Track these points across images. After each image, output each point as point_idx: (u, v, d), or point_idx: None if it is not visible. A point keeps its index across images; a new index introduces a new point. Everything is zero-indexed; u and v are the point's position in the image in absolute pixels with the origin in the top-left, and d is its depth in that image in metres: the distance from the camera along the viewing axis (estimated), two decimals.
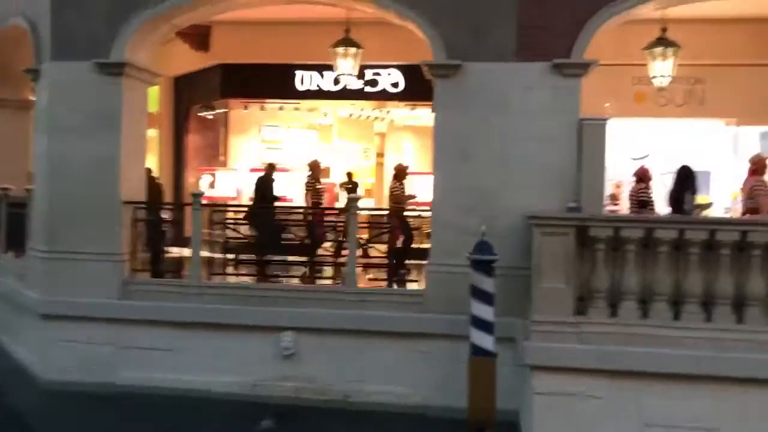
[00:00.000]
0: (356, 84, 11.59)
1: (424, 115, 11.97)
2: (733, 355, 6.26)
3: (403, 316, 7.81)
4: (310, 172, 10.46)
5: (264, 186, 10.30)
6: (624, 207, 12.12)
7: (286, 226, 9.38)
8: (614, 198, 11.68)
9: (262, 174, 10.69)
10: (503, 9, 7.80)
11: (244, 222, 9.45)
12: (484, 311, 6.52)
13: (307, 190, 10.34)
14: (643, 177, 9.55)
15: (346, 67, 10.28)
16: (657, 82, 10.01)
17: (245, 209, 10.19)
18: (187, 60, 12.60)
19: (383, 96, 12.20)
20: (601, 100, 11.78)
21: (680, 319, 6.48)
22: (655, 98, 11.35)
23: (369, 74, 11.79)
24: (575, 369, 6.50)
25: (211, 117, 13.63)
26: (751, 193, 8.09)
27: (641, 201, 9.28)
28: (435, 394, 7.63)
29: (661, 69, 9.81)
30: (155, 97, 12.44)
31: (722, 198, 11.96)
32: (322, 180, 10.93)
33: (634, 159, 12.50)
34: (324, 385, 8.01)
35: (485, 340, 6.51)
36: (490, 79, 7.80)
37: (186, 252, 9.18)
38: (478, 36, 7.86)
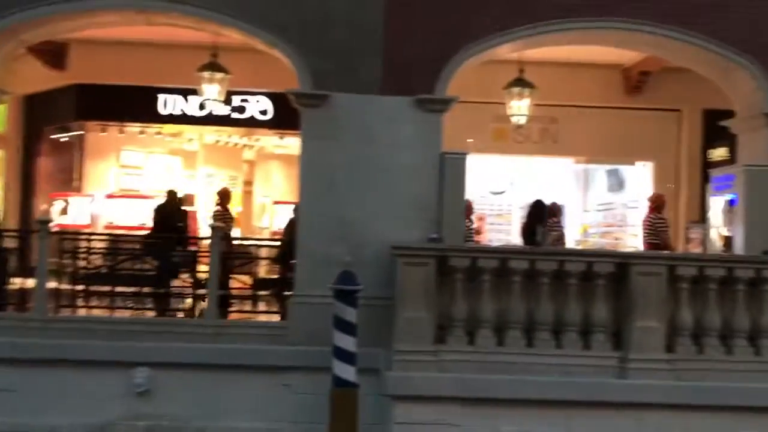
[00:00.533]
0: (223, 110, 11.35)
1: (293, 144, 11.91)
2: (581, 380, 6.60)
3: (265, 349, 7.61)
4: (219, 201, 10.10)
5: (166, 214, 9.73)
6: (487, 239, 12.67)
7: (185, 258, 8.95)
8: (477, 232, 12.11)
9: (162, 202, 10.15)
10: (370, 42, 7.95)
11: (100, 251, 8.92)
12: (347, 342, 6.48)
13: (215, 220, 9.82)
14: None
15: (212, 92, 10.06)
16: (515, 120, 10.56)
17: (105, 237, 9.62)
18: (40, 78, 11.80)
19: (251, 123, 12.02)
20: (465, 135, 12.24)
21: (533, 346, 6.77)
22: (514, 135, 11.97)
23: (237, 100, 11.58)
24: (435, 398, 6.59)
25: (65, 139, 12.81)
26: (653, 229, 8.88)
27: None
28: (297, 428, 7.45)
29: (519, 108, 10.36)
30: (2, 116, 11.55)
31: (572, 230, 12.77)
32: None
33: (494, 193, 13.12)
34: (180, 422, 7.61)
35: (347, 372, 6.47)
36: (357, 110, 7.88)
37: (30, 283, 8.49)
38: (345, 67, 7.95)
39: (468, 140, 12.37)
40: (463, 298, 6.78)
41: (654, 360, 6.64)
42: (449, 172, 7.84)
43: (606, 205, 12.91)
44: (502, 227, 13.24)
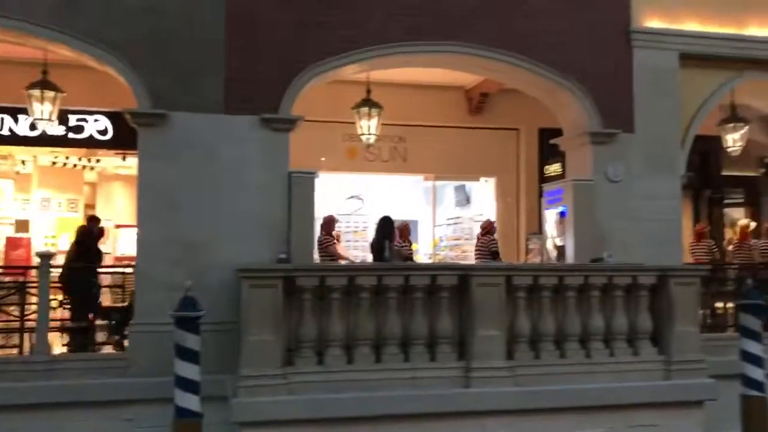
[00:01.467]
0: (57, 130, 10.62)
1: (136, 165, 11.38)
2: (428, 392, 6.75)
3: (104, 383, 7.14)
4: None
5: (85, 241, 8.90)
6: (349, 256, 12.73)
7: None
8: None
9: (82, 226, 9.29)
10: (211, 60, 7.77)
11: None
12: (190, 370, 6.21)
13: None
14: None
15: (44, 112, 9.38)
16: (365, 139, 10.71)
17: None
18: None
19: (90, 143, 11.31)
20: (318, 153, 12.31)
21: (382, 361, 6.84)
22: (365, 154, 12.16)
23: (73, 120, 10.89)
24: (285, 421, 6.46)
25: None
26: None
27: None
28: None
29: (368, 127, 10.52)
30: None
31: (424, 245, 13.15)
32: None
33: (351, 212, 13.24)
34: None
35: (191, 401, 6.19)
36: (199, 130, 7.66)
37: None
38: (185, 85, 7.71)
39: (321, 159, 12.46)
40: (312, 318, 6.74)
41: (495, 368, 6.91)
42: (297, 190, 7.80)
43: (454, 220, 13.41)
44: (357, 244, 13.38)
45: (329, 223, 10.33)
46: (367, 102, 10.36)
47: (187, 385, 6.16)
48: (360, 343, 6.82)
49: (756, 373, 7.46)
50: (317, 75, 8.09)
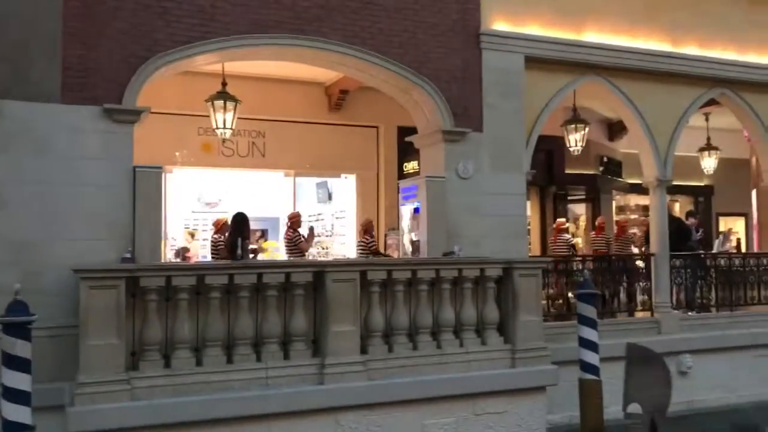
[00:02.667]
0: None
1: None
2: (280, 390, 6.65)
3: None
4: None
5: None
6: (200, 256, 12.32)
7: None
8: (185, 250, 11.71)
9: None
10: (48, 45, 7.21)
11: None
12: (20, 380, 5.71)
13: None
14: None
15: None
16: (220, 134, 10.40)
17: None
18: None
19: None
20: (172, 148, 11.85)
21: (233, 362, 6.67)
22: (222, 149, 11.83)
23: None
24: (128, 429, 6.13)
25: None
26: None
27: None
28: None
29: (223, 121, 10.22)
30: None
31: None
32: None
33: (207, 204, 12.85)
34: None
35: (21, 413, 5.70)
36: (32, 120, 7.10)
37: None
38: (17, 73, 7.11)
39: (175, 154, 12.00)
40: (158, 320, 6.45)
41: (349, 363, 6.93)
42: (142, 186, 7.42)
43: (316, 216, 13.38)
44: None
45: (296, 220, 10.29)
46: (223, 95, 10.06)
47: (18, 396, 5.67)
48: (210, 344, 6.61)
49: (592, 357, 8.00)
50: (165, 65, 7.73)
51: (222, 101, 9.97)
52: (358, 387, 6.90)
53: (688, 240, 11.75)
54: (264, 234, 12.93)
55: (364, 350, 7.16)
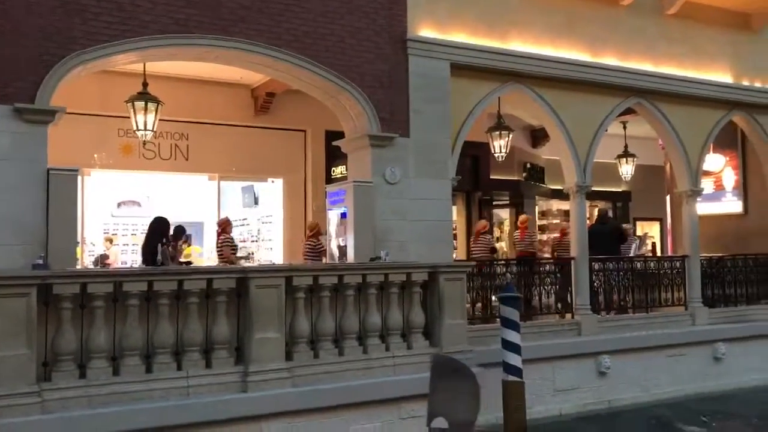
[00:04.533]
0: None
1: None
2: (201, 400, 6.48)
3: None
4: None
5: None
6: (120, 261, 11.93)
7: None
8: (104, 258, 11.30)
9: None
10: None
11: None
12: None
13: None
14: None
15: None
16: (141, 136, 10.08)
17: None
18: None
19: None
20: (90, 150, 11.43)
21: (152, 371, 6.46)
22: (143, 151, 11.49)
23: None
24: None
25: None
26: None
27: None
28: None
29: (144, 123, 9.92)
30: None
31: (209, 248, 12.72)
32: None
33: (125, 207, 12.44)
34: None
35: None
36: None
37: None
38: None
39: (94, 155, 11.59)
40: (73, 329, 6.17)
41: (273, 370, 6.83)
42: (57, 189, 7.10)
43: (242, 221, 13.15)
44: (137, 248, 12.61)
45: (225, 225, 10.25)
46: (144, 95, 9.75)
47: None
48: (128, 353, 6.38)
49: (515, 359, 8.14)
50: (82, 63, 7.44)
51: (143, 102, 9.65)
52: (283, 394, 6.80)
53: (624, 243, 12.18)
54: (188, 239, 12.61)
55: (289, 357, 7.07)
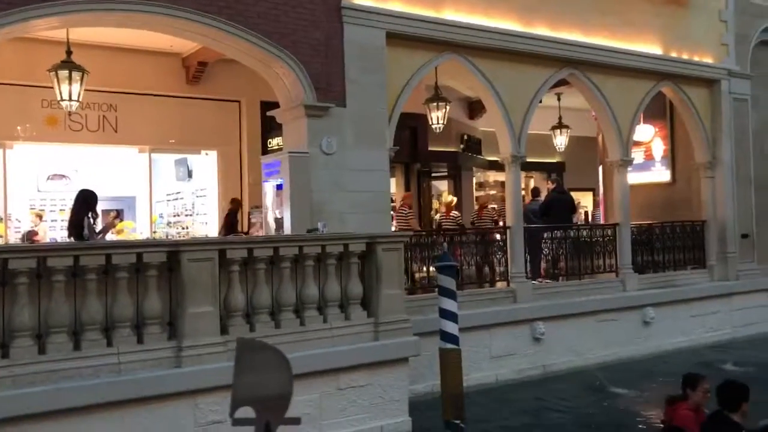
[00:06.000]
0: None
1: None
2: (134, 376, 6.33)
3: None
4: None
5: None
6: (48, 238, 11.47)
7: None
8: (32, 234, 10.83)
9: None
10: None
11: None
12: None
13: None
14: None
15: None
16: (66, 106, 9.67)
17: None
18: None
19: None
20: (12, 121, 10.92)
21: (81, 349, 6.25)
22: (69, 123, 11.03)
23: None
24: None
25: None
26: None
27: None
28: None
29: (68, 93, 9.50)
30: None
31: (145, 222, 12.39)
32: None
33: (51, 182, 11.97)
34: None
35: None
36: None
37: None
38: None
39: (17, 127, 11.09)
40: None
41: (208, 345, 6.70)
42: None
43: (175, 195, 12.83)
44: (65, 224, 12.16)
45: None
46: (68, 64, 9.34)
47: None
48: (54, 330, 6.14)
49: (452, 327, 8.23)
50: None
51: (67, 71, 9.25)
52: (219, 368, 6.64)
53: (574, 212, 12.43)
54: (119, 214, 12.25)
55: (224, 331, 6.94)
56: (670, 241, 13.04)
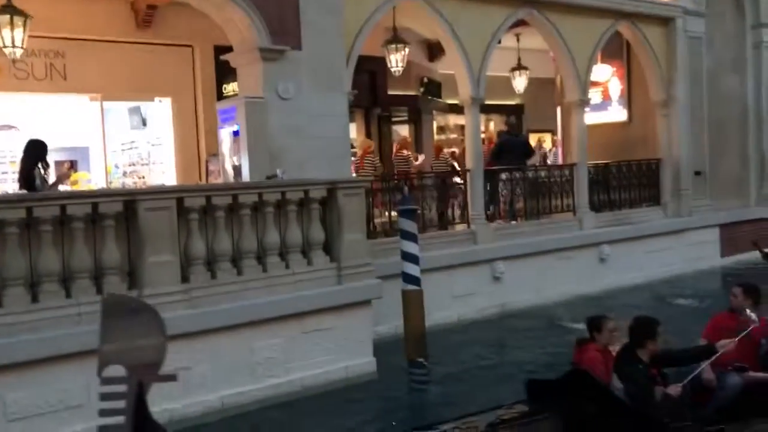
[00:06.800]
0: None
1: None
2: (94, 327, 6.27)
3: None
4: None
5: None
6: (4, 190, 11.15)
7: None
8: None
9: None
10: None
11: None
12: None
13: None
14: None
15: None
16: (9, 53, 9.25)
17: None
18: None
19: None
20: None
21: (39, 301, 6.18)
22: (14, 71, 10.58)
23: None
24: None
25: None
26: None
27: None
28: None
29: (11, 39, 9.09)
30: None
31: (100, 172, 12.12)
32: None
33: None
34: None
35: None
36: None
37: None
38: None
39: None
40: None
41: (169, 293, 6.68)
42: None
43: (130, 144, 12.53)
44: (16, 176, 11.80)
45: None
46: (8, 9, 8.91)
47: None
48: (10, 283, 6.05)
49: (413, 269, 8.36)
50: None
51: (8, 16, 8.82)
52: (181, 316, 6.68)
53: (529, 156, 12.48)
54: (73, 165, 11.94)
55: (185, 279, 6.93)
56: (626, 179, 13.29)
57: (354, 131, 13.90)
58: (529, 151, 12.36)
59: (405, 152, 13.30)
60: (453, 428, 5.01)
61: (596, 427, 4.55)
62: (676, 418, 4.98)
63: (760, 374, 5.60)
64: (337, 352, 7.80)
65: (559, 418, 4.72)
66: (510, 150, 11.63)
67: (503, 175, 11.46)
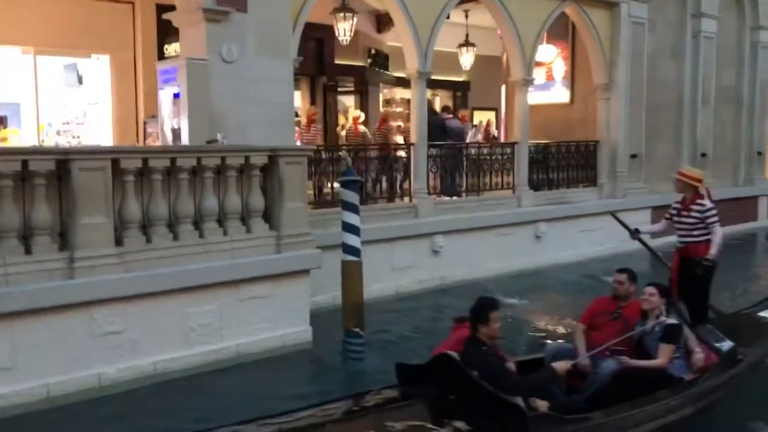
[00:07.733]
0: None
1: None
2: (23, 288, 6.10)
3: None
4: None
5: None
6: None
7: None
8: None
9: None
10: None
11: None
12: None
13: None
14: None
15: None
16: None
17: None
18: None
19: None
20: None
21: None
22: None
23: None
24: None
25: None
26: None
27: None
28: None
29: None
30: None
31: (32, 130, 11.67)
32: None
33: None
34: None
35: None
36: None
37: None
38: None
39: None
40: None
41: (102, 256, 6.53)
42: None
43: (65, 102, 12.06)
44: None
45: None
46: None
47: None
48: None
49: (354, 240, 8.35)
50: None
51: None
52: (114, 280, 6.56)
53: (444, 134, 12.49)
54: (2, 121, 11.45)
55: (119, 242, 6.78)
56: (565, 160, 13.57)
57: (299, 99, 13.73)
58: (443, 129, 12.29)
59: (391, 123, 13.18)
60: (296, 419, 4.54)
61: (460, 412, 4.50)
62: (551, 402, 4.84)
63: (634, 360, 5.55)
64: (273, 320, 7.79)
65: (425, 404, 4.67)
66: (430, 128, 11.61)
67: (434, 151, 11.49)
